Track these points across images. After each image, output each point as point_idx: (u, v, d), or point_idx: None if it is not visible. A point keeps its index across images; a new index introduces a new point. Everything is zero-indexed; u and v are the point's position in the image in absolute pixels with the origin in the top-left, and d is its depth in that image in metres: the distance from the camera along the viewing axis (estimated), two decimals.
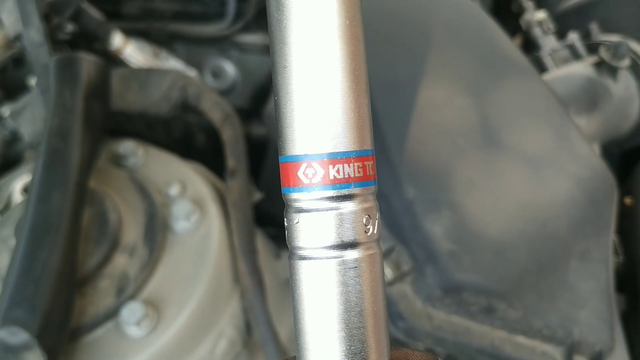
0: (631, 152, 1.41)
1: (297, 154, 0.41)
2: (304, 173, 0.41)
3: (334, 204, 0.41)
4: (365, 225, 0.42)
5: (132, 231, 0.95)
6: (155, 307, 0.88)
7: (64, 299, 0.83)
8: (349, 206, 0.41)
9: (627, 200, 1.28)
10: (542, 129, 1.07)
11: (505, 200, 1.00)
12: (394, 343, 0.94)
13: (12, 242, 0.91)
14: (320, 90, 0.41)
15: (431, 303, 0.95)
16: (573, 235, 1.00)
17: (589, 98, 1.26)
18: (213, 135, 1.28)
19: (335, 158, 0.40)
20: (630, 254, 1.21)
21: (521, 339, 0.94)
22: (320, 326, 0.41)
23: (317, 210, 0.41)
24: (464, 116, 1.05)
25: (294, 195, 0.41)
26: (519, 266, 0.96)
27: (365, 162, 0.42)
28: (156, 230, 0.96)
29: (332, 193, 0.41)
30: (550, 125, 1.08)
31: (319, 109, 0.41)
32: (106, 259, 0.91)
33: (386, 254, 0.96)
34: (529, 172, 1.02)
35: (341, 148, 0.41)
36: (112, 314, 0.88)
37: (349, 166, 0.41)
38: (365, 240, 0.41)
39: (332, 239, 0.41)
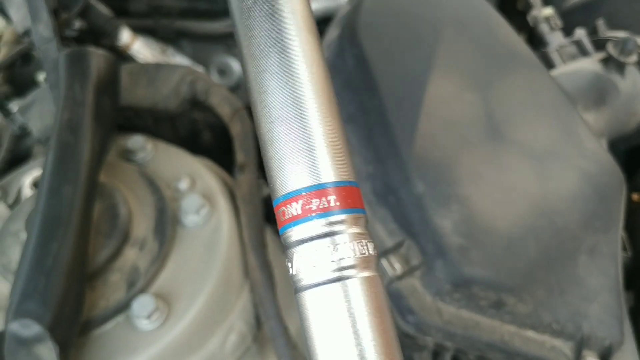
0: (638, 148, 1.41)
1: (283, 193, 0.43)
2: (289, 209, 0.43)
3: (329, 235, 0.42)
4: (359, 250, 0.43)
5: (142, 225, 0.95)
6: (165, 301, 0.88)
7: (75, 292, 0.83)
8: (343, 236, 0.43)
9: (635, 197, 1.28)
10: (550, 124, 1.08)
11: (514, 195, 1.00)
12: (404, 337, 0.94)
13: (23, 235, 0.91)
14: (295, 131, 0.43)
15: (441, 297, 0.95)
16: (582, 229, 1.00)
17: (597, 94, 1.26)
18: (219, 132, 1.28)
19: (320, 189, 0.42)
20: (638, 249, 1.21)
21: (531, 334, 0.94)
22: (332, 348, 0.42)
23: (310, 243, 0.43)
24: (473, 111, 1.05)
25: (287, 233, 0.44)
26: (529, 260, 0.96)
27: (350, 193, 0.44)
28: (166, 224, 0.96)
29: (324, 222, 0.42)
30: (558, 120, 1.08)
31: (295, 148, 0.43)
32: (116, 253, 0.92)
33: (395, 249, 0.96)
34: (537, 167, 1.02)
35: (325, 180, 0.43)
36: (123, 307, 0.88)
37: (334, 197, 0.43)
38: (361, 263, 0.43)
39: (329, 266, 0.42)
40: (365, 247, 0.44)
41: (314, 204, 0.43)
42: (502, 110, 1.06)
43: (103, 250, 0.90)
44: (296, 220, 0.43)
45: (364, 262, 0.43)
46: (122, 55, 1.31)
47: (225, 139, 1.19)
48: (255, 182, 1.05)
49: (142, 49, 1.32)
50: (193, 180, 1.03)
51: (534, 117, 1.07)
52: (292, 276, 0.45)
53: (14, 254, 0.90)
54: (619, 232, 1.03)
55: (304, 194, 0.43)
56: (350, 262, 0.43)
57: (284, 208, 0.43)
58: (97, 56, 1.01)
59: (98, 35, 1.27)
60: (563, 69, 1.29)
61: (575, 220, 1.00)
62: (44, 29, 1.08)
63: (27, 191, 1.02)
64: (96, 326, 0.87)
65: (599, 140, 1.13)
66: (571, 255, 0.99)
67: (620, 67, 1.25)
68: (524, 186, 1.01)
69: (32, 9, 1.09)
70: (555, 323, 0.94)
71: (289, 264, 0.45)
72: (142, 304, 0.85)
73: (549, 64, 1.32)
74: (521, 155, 1.03)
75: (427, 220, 0.96)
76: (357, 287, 0.42)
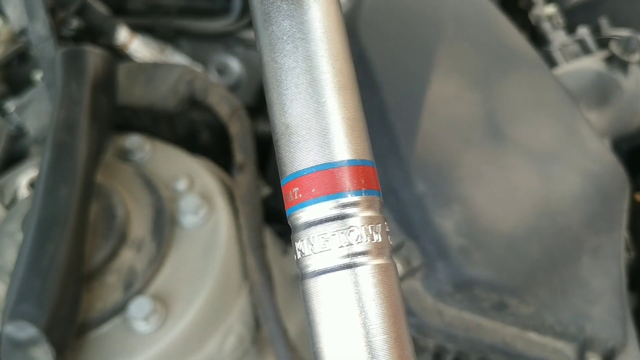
0: None
1: (292, 172, 0.40)
2: (297, 190, 0.40)
3: (337, 218, 0.39)
4: (372, 235, 0.40)
5: (139, 226, 0.94)
6: (163, 303, 0.87)
7: (72, 294, 0.82)
8: (355, 219, 0.39)
9: (638, 197, 1.27)
10: (553, 123, 1.07)
11: (516, 195, 0.99)
12: None
13: (19, 236, 0.90)
14: (311, 102, 0.40)
15: (442, 299, 0.94)
16: (585, 230, 0.99)
17: (600, 93, 1.25)
18: (218, 133, 1.27)
19: (332, 168, 0.39)
20: None
21: (533, 336, 0.93)
22: (339, 342, 0.39)
23: (318, 226, 0.40)
24: (475, 111, 1.04)
25: (295, 215, 0.41)
26: (531, 261, 0.95)
27: (364, 172, 0.40)
28: (164, 224, 0.95)
29: (333, 204, 0.39)
30: (561, 120, 1.07)
31: (314, 122, 0.39)
32: (113, 254, 0.90)
33: (396, 249, 0.95)
34: (539, 166, 1.01)
35: (339, 158, 0.39)
36: (120, 309, 0.87)
37: (347, 177, 0.39)
38: (374, 249, 0.40)
39: (338, 252, 0.39)
40: (378, 233, 0.40)
41: (324, 184, 0.39)
42: (504, 110, 1.05)
43: (100, 251, 0.89)
44: (304, 202, 0.40)
45: (377, 249, 0.40)
46: (120, 54, 1.30)
47: (223, 139, 1.18)
48: (254, 182, 1.04)
49: (140, 47, 1.31)
50: (191, 181, 1.02)
51: (536, 116, 1.06)
52: (298, 261, 0.42)
53: (10, 255, 0.89)
54: (622, 233, 1.01)
55: (314, 172, 0.40)
56: (362, 247, 0.39)
57: (292, 188, 0.40)
58: (94, 55, 1.00)
59: (96, 34, 1.26)
60: (566, 68, 1.28)
61: (578, 221, 0.99)
62: (41, 28, 1.07)
63: (24, 192, 1.01)
64: (93, 328, 0.86)
65: (602, 140, 1.12)
66: (574, 256, 0.98)
67: (623, 65, 1.24)
68: (526, 186, 1.00)
69: (29, 7, 1.08)
70: (558, 325, 0.93)
71: (296, 249, 0.42)
72: (139, 306, 0.84)
73: (551, 63, 1.31)
74: (523, 155, 1.02)
75: (428, 221, 0.95)
76: (368, 275, 0.39)
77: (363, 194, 0.40)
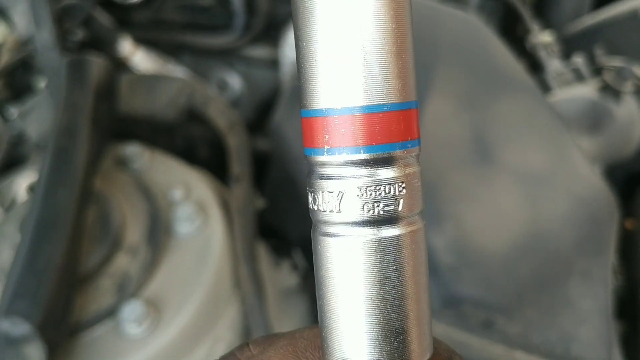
0: (635, 175, 1.42)
1: (322, 107, 0.33)
2: (324, 131, 0.33)
3: (362, 170, 0.33)
4: (403, 196, 0.34)
5: (135, 232, 0.96)
6: (155, 307, 0.88)
7: (66, 294, 0.83)
8: (381, 173, 0.33)
9: (629, 223, 1.29)
10: (543, 147, 1.08)
11: (506, 216, 1.01)
12: None
13: (17, 238, 0.91)
14: (350, 27, 0.32)
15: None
16: (573, 253, 1.01)
17: (592, 120, 1.27)
18: (215, 148, 1.29)
19: (370, 112, 0.33)
20: (630, 276, 1.22)
21: (519, 354, 0.94)
22: (350, 316, 0.34)
23: (345, 177, 0.33)
24: (467, 132, 1.06)
25: (318, 158, 0.34)
26: (519, 281, 0.97)
27: (407, 118, 0.34)
28: (159, 232, 0.96)
29: (359, 156, 0.33)
30: (552, 144, 1.09)
31: (348, 52, 0.32)
32: (108, 258, 0.92)
33: None
34: (529, 189, 1.03)
35: (377, 101, 0.32)
36: (112, 312, 0.88)
37: (382, 123, 0.33)
38: (405, 215, 0.34)
39: (365, 213, 0.33)
40: (413, 191, 0.34)
41: (364, 128, 0.33)
42: (496, 132, 1.07)
43: (95, 255, 0.91)
44: (334, 148, 0.33)
45: (410, 211, 0.34)
46: (123, 66, 1.32)
47: (220, 154, 1.20)
48: (250, 194, 1.06)
49: (143, 60, 1.33)
50: (188, 190, 1.04)
51: (528, 139, 1.08)
52: (313, 212, 0.36)
53: (7, 255, 0.90)
54: (611, 257, 1.03)
55: (357, 114, 0.33)
56: (394, 210, 0.33)
57: (322, 126, 0.33)
58: (97, 65, 1.02)
59: (100, 45, 1.29)
60: (560, 95, 1.30)
61: (567, 243, 1.01)
62: (47, 37, 1.09)
63: (23, 195, 1.02)
64: (85, 330, 0.87)
65: (593, 166, 1.14)
66: (562, 277, 0.99)
67: (616, 94, 1.27)
68: (515, 208, 1.01)
69: (36, 16, 1.10)
70: (544, 344, 0.94)
71: (313, 196, 0.35)
72: (132, 309, 0.85)
73: (546, 89, 1.33)
74: (513, 177, 1.03)
75: None
76: (397, 241, 0.34)
77: (402, 145, 0.34)
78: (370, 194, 0.33)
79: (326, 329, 0.36)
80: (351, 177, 0.33)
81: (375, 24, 0.32)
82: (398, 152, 0.33)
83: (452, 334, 0.94)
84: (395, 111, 0.33)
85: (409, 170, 0.34)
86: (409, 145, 0.34)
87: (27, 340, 0.76)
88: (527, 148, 1.07)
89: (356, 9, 0.32)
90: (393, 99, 0.33)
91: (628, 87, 1.26)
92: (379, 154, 0.33)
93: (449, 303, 0.95)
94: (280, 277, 1.13)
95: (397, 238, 0.34)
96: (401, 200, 0.34)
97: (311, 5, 0.33)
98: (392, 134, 0.33)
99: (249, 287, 0.95)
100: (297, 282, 1.14)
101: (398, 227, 0.34)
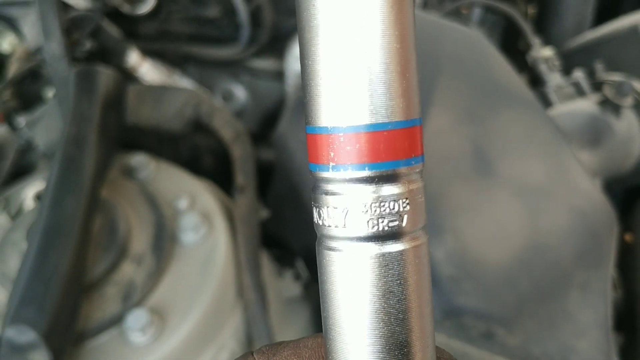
0: (634, 189, 1.43)
1: (327, 125, 0.34)
2: (330, 149, 0.34)
3: (367, 187, 0.34)
4: (407, 212, 0.34)
5: (140, 241, 0.97)
6: (160, 315, 0.90)
7: (72, 302, 0.84)
8: (386, 189, 0.34)
9: (627, 237, 1.30)
10: (543, 160, 1.10)
11: (506, 228, 1.02)
12: None
13: (23, 245, 0.92)
14: (355, 47, 0.33)
15: None
16: (573, 265, 1.02)
17: (592, 134, 1.29)
18: (220, 158, 1.30)
19: (375, 130, 0.33)
20: (629, 289, 1.22)
21: None
22: (354, 328, 0.35)
23: (349, 194, 0.34)
24: (468, 145, 1.07)
25: (321, 174, 0.35)
26: (519, 293, 0.98)
27: (411, 135, 0.34)
28: (164, 241, 0.97)
29: (364, 173, 0.33)
30: (551, 157, 1.10)
31: (353, 71, 0.33)
32: (114, 267, 0.93)
33: None
34: (529, 201, 1.04)
35: (382, 119, 0.33)
36: (117, 320, 0.89)
37: (386, 141, 0.33)
38: (409, 230, 0.34)
39: (369, 229, 0.34)
40: (416, 207, 0.35)
41: (369, 146, 0.33)
42: (497, 146, 1.08)
43: (101, 263, 0.92)
44: (339, 165, 0.34)
45: (413, 226, 0.34)
46: (130, 76, 1.34)
47: (225, 165, 1.21)
48: (254, 204, 1.07)
49: (149, 71, 1.35)
50: (193, 200, 1.05)
51: (528, 152, 1.09)
52: (318, 226, 0.36)
53: (14, 262, 0.92)
54: (610, 270, 1.04)
55: (362, 132, 0.33)
56: (398, 225, 0.34)
57: (327, 144, 0.34)
58: (105, 75, 1.04)
59: (108, 55, 1.31)
60: (560, 109, 1.31)
61: (566, 256, 1.02)
62: (56, 47, 1.11)
63: (30, 203, 1.04)
64: (90, 337, 0.88)
65: (593, 180, 1.15)
66: (562, 289, 1.00)
67: (616, 109, 1.28)
68: (515, 220, 1.02)
69: (45, 27, 1.12)
70: (543, 356, 0.95)
71: (318, 212, 0.36)
72: (137, 317, 0.87)
73: (546, 103, 1.35)
74: (513, 190, 1.05)
75: None
76: (401, 256, 0.34)
77: (406, 162, 0.35)
78: (375, 210, 0.34)
79: (331, 340, 0.36)
80: (356, 193, 0.34)
81: (380, 44, 0.33)
82: (402, 169, 0.34)
83: (452, 345, 0.95)
84: (399, 129, 0.33)
85: (412, 186, 0.34)
86: (413, 162, 0.34)
87: (33, 347, 0.77)
88: (527, 161, 1.08)
89: (362, 29, 0.32)
90: (397, 117, 0.33)
91: (628, 101, 1.28)
92: (383, 171, 0.33)
93: (449, 314, 0.96)
94: (283, 286, 1.14)
95: (400, 253, 0.34)
96: (405, 216, 0.34)
97: (316, 26, 0.33)
98: (397, 151, 0.33)
99: (252, 296, 0.97)
100: (300, 291, 1.15)
101: (402, 242, 0.34)
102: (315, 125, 0.34)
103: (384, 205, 0.34)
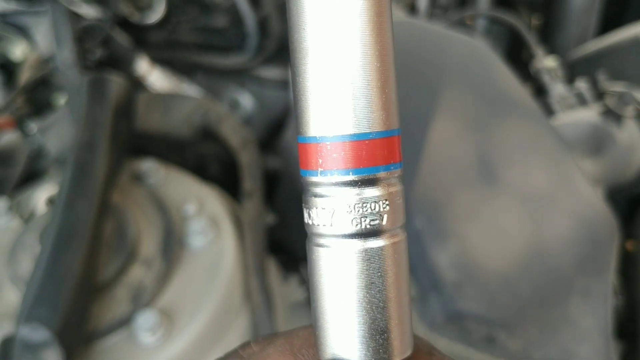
0: (636, 198, 1.44)
1: (315, 135, 0.38)
2: (318, 156, 0.38)
3: (351, 190, 0.37)
4: (387, 212, 0.38)
5: (150, 244, 0.99)
6: (168, 317, 0.92)
7: (83, 303, 0.86)
8: (368, 192, 0.38)
9: (629, 245, 1.31)
10: (546, 168, 1.11)
11: (509, 234, 1.03)
12: None
13: (36, 248, 0.95)
14: (340, 66, 0.37)
15: (434, 330, 0.97)
16: (574, 271, 1.03)
17: (594, 143, 1.30)
18: (226, 166, 1.32)
19: (358, 140, 0.37)
20: (630, 296, 1.24)
21: None
22: (340, 316, 0.39)
23: (335, 196, 0.38)
24: (471, 153, 1.09)
25: (310, 179, 0.39)
26: (521, 298, 0.99)
27: (390, 144, 0.38)
28: (173, 244, 1.00)
29: (348, 178, 0.37)
30: (554, 165, 1.12)
31: (338, 87, 0.37)
32: (124, 269, 0.95)
33: None
34: (531, 208, 1.06)
35: (364, 129, 0.37)
36: (127, 321, 0.91)
37: (368, 149, 0.37)
38: (388, 228, 0.38)
39: (353, 227, 0.38)
40: (395, 208, 0.38)
41: (353, 153, 0.37)
42: (500, 154, 1.10)
43: (111, 265, 0.94)
44: (326, 170, 0.38)
45: (393, 225, 0.38)
46: (139, 84, 1.36)
47: (231, 173, 1.23)
48: (261, 209, 1.09)
49: (158, 79, 1.37)
50: (201, 205, 1.08)
51: (530, 161, 1.11)
52: (308, 225, 0.40)
53: (26, 264, 0.94)
54: (611, 277, 1.05)
55: (346, 141, 0.37)
56: (378, 224, 0.37)
57: (315, 151, 0.38)
58: (116, 83, 1.06)
59: (118, 63, 1.33)
60: (563, 119, 1.33)
61: (568, 262, 1.03)
62: (67, 56, 1.14)
63: (42, 207, 1.06)
64: (100, 338, 0.90)
65: (595, 188, 1.17)
66: (563, 295, 1.01)
67: (618, 119, 1.30)
68: (518, 227, 1.04)
69: (58, 36, 1.15)
70: None
71: (307, 211, 0.40)
72: (146, 318, 0.89)
73: (550, 113, 1.37)
74: (515, 197, 1.06)
75: (424, 255, 1.00)
76: (381, 252, 0.38)
77: (385, 168, 0.38)
78: (358, 210, 0.37)
79: (319, 328, 0.40)
80: (341, 195, 0.38)
81: (362, 64, 0.37)
82: (382, 174, 0.38)
83: (455, 349, 0.96)
84: (379, 138, 0.38)
85: (392, 189, 0.38)
86: (392, 168, 0.38)
87: (46, 346, 0.79)
88: (530, 169, 1.10)
89: (346, 51, 0.37)
90: (378, 127, 0.37)
91: (629, 111, 1.29)
92: (365, 175, 0.37)
93: (452, 318, 0.97)
94: (289, 291, 1.16)
95: (381, 249, 0.38)
96: (385, 215, 0.38)
97: (306, 48, 0.37)
98: (377, 158, 0.38)
99: (259, 299, 0.98)
100: (305, 296, 1.17)
101: (382, 238, 0.38)
102: (305, 135, 0.39)
103: (366, 206, 0.38)
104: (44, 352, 0.79)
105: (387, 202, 0.38)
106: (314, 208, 0.39)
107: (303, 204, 0.40)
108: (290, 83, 1.54)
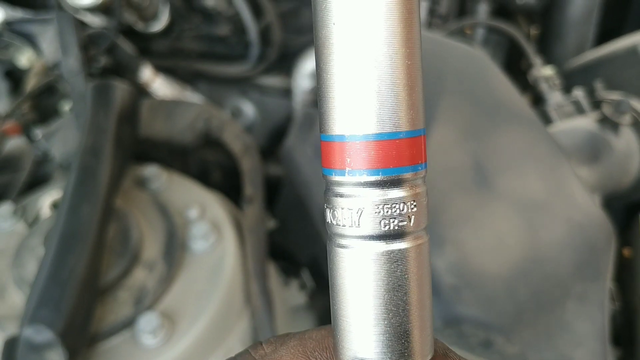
0: (632, 205, 1.45)
1: (340, 134, 0.37)
2: (346, 155, 0.37)
3: (379, 190, 0.37)
4: (414, 214, 0.37)
5: (152, 248, 1.01)
6: (170, 319, 0.93)
7: (87, 304, 0.88)
8: (396, 193, 0.37)
9: (626, 251, 1.32)
10: (542, 175, 1.12)
11: (506, 240, 1.04)
12: None
13: (40, 251, 0.96)
14: (372, 64, 0.36)
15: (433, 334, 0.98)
16: (571, 277, 1.04)
17: (591, 151, 1.31)
18: (228, 173, 1.34)
19: (388, 139, 0.36)
20: (627, 302, 1.25)
21: None
22: (363, 318, 0.38)
23: (359, 196, 0.37)
24: (469, 160, 1.10)
25: (335, 178, 0.38)
26: (518, 303, 1.00)
27: (415, 144, 0.37)
28: (175, 248, 1.01)
29: (377, 178, 0.37)
30: (550, 172, 1.13)
31: (365, 87, 0.36)
32: (127, 272, 0.97)
33: None
34: (528, 215, 1.07)
35: (394, 129, 0.37)
36: (129, 323, 0.93)
37: (398, 148, 0.37)
38: (413, 230, 0.38)
39: (381, 228, 0.37)
40: (420, 210, 0.38)
41: (378, 154, 0.37)
42: (497, 161, 1.11)
43: (114, 268, 0.96)
44: (351, 170, 0.37)
45: (416, 227, 0.38)
46: (143, 91, 1.38)
47: (233, 179, 1.25)
48: (262, 214, 1.10)
49: (162, 86, 1.39)
50: (203, 210, 1.09)
51: (527, 167, 1.12)
52: (331, 226, 0.39)
53: (31, 267, 0.96)
54: (607, 282, 1.06)
55: (371, 141, 0.36)
56: (402, 225, 0.37)
57: (340, 151, 0.37)
58: (121, 89, 1.08)
59: (122, 71, 1.35)
60: (560, 126, 1.35)
61: (564, 268, 1.04)
62: (73, 63, 1.16)
63: (46, 211, 1.08)
64: (103, 339, 0.92)
65: (592, 195, 1.17)
66: (560, 300, 1.02)
67: (614, 127, 1.31)
68: (514, 232, 1.05)
69: (63, 43, 1.17)
70: None
71: (330, 212, 0.39)
72: (148, 320, 0.90)
73: (547, 121, 1.38)
74: (512, 203, 1.07)
75: None
76: (404, 254, 0.38)
77: (411, 169, 0.38)
78: (387, 211, 0.37)
79: (340, 330, 0.39)
80: (368, 196, 0.37)
81: (393, 62, 0.36)
82: (409, 175, 0.37)
83: None
84: (408, 138, 0.37)
85: (418, 190, 0.38)
86: (419, 168, 0.38)
87: (50, 346, 0.81)
88: (527, 176, 1.11)
89: (377, 50, 0.36)
90: (407, 127, 0.37)
91: (626, 119, 1.31)
92: (394, 175, 0.37)
93: (449, 322, 0.98)
94: (289, 295, 1.17)
95: (406, 251, 0.37)
96: (412, 217, 0.37)
97: (335, 44, 0.37)
98: (406, 158, 0.37)
99: (259, 303, 1.00)
100: (305, 300, 1.18)
101: (407, 240, 0.37)
102: (332, 133, 0.38)
103: (394, 207, 0.37)
104: (47, 353, 0.80)
105: (414, 204, 0.37)
106: (340, 208, 0.38)
107: (325, 204, 0.39)
108: (291, 89, 1.57)
